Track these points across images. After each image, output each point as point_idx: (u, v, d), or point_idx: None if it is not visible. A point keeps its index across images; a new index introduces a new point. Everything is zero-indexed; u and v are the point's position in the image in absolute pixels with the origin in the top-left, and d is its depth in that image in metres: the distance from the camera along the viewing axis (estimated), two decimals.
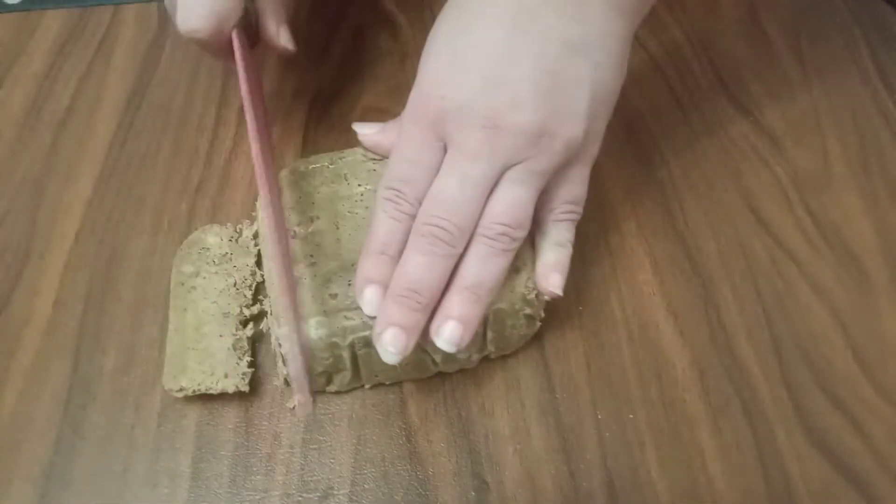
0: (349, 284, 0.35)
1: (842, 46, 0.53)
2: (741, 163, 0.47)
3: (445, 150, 0.35)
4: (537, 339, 0.39)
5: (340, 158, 0.41)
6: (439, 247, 0.33)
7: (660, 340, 0.40)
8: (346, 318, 0.35)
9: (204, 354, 0.37)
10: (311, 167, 0.41)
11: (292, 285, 0.35)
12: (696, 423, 0.37)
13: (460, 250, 0.34)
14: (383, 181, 0.35)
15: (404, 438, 0.37)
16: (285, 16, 0.43)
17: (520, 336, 0.38)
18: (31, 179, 0.48)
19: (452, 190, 0.34)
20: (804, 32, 0.54)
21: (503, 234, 0.34)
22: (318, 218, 0.38)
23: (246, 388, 0.37)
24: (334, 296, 0.35)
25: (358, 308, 0.35)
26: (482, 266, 0.34)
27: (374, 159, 0.40)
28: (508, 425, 0.37)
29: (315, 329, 0.34)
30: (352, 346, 0.35)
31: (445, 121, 0.34)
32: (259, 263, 0.41)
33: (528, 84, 0.33)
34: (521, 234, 0.35)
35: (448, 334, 0.34)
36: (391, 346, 0.33)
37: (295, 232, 0.38)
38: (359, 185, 0.39)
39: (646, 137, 0.48)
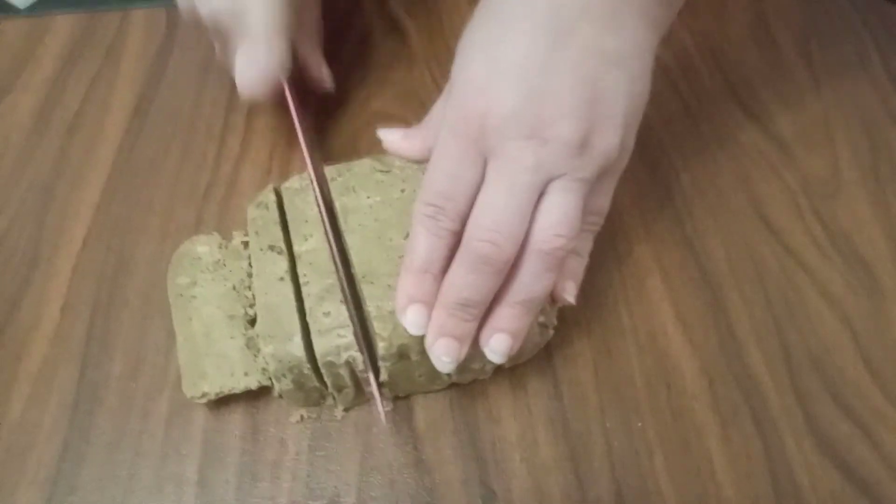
0: (341, 302, 0.35)
1: (852, 52, 0.53)
2: (751, 169, 0.47)
3: (485, 164, 0.34)
4: (545, 346, 0.39)
5: (348, 170, 0.40)
6: (491, 264, 0.32)
7: (668, 348, 0.40)
8: (339, 335, 0.34)
9: (219, 358, 0.37)
10: (303, 183, 0.41)
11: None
12: (704, 431, 0.37)
13: (510, 264, 0.33)
14: (422, 196, 0.34)
15: (411, 446, 0.37)
16: (322, 56, 0.47)
17: (534, 345, 0.37)
18: (40, 184, 0.48)
19: (502, 201, 0.33)
20: (813, 38, 0.54)
21: (559, 247, 0.33)
22: (311, 236, 0.38)
23: (269, 383, 0.37)
24: (327, 314, 0.35)
25: (350, 325, 0.35)
26: (536, 281, 0.34)
27: (382, 170, 0.40)
28: (516, 433, 0.37)
29: (304, 349, 0.35)
30: (348, 363, 0.35)
31: (488, 133, 0.33)
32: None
33: (570, 94, 0.33)
34: (573, 244, 0.34)
35: (497, 345, 0.34)
36: (445, 355, 0.33)
37: None
38: (367, 198, 0.39)
39: (655, 144, 0.48)
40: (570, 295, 0.36)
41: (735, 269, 0.42)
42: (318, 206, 0.39)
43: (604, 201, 0.37)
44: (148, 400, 0.39)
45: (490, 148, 0.33)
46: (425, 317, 0.33)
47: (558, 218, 0.33)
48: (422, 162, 0.40)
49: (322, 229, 0.38)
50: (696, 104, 0.50)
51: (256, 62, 0.41)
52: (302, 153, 0.42)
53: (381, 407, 0.34)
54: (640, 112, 0.36)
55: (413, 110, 0.51)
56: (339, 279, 0.36)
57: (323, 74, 0.48)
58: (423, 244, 0.34)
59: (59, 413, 0.39)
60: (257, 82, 0.41)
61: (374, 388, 0.34)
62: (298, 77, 0.45)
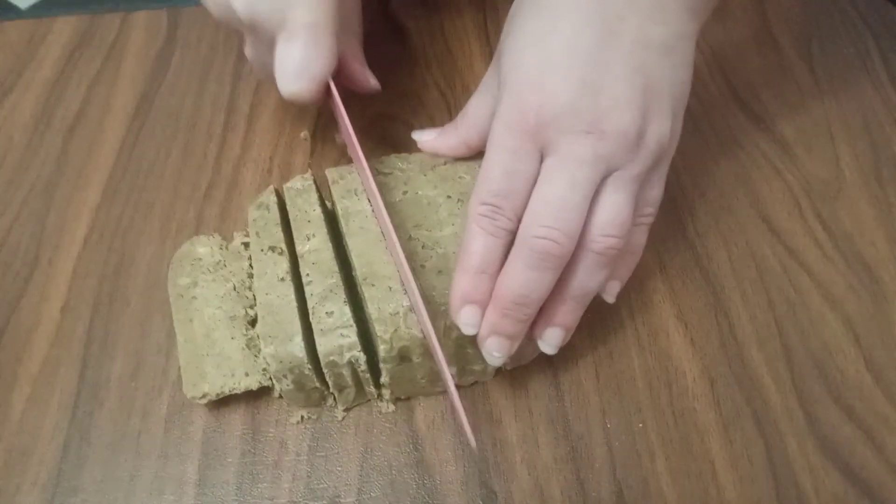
0: (345, 302, 0.35)
1: (853, 54, 0.53)
2: (752, 171, 0.47)
3: (541, 160, 0.34)
4: None
5: (349, 173, 0.40)
6: (550, 261, 0.32)
7: (670, 349, 0.40)
8: (342, 335, 0.34)
9: (220, 358, 0.37)
10: (305, 183, 0.40)
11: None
12: (706, 432, 0.37)
13: (567, 259, 0.33)
14: (478, 195, 0.34)
15: (411, 446, 0.37)
16: (363, 56, 0.45)
17: (535, 348, 0.37)
18: (41, 185, 0.48)
19: (561, 196, 0.32)
20: (815, 41, 0.54)
21: (611, 246, 0.33)
22: (313, 236, 0.38)
23: (269, 383, 0.37)
24: (330, 314, 0.35)
25: (353, 325, 0.34)
26: (589, 278, 0.34)
27: (384, 173, 0.40)
28: (516, 434, 0.37)
29: (305, 349, 0.35)
30: (351, 363, 0.35)
31: (546, 128, 0.33)
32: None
33: (624, 86, 0.33)
34: (624, 242, 0.34)
35: (551, 338, 0.35)
36: (496, 351, 0.34)
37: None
38: (369, 200, 0.39)
39: None
40: (610, 296, 0.37)
41: (737, 271, 0.42)
42: (375, 210, 0.37)
43: (657, 192, 0.36)
44: (148, 400, 0.39)
45: (547, 142, 0.33)
46: (480, 316, 0.34)
47: (611, 218, 0.33)
48: (438, 164, 0.40)
49: (324, 230, 0.38)
50: (698, 106, 0.50)
51: (303, 63, 0.37)
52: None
53: (466, 425, 0.32)
54: (685, 99, 0.36)
55: (414, 112, 0.51)
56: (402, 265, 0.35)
57: (367, 75, 0.45)
58: (480, 244, 0.33)
59: (59, 414, 0.39)
60: (305, 81, 0.37)
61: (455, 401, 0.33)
62: (337, 77, 0.42)
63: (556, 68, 0.33)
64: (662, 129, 0.34)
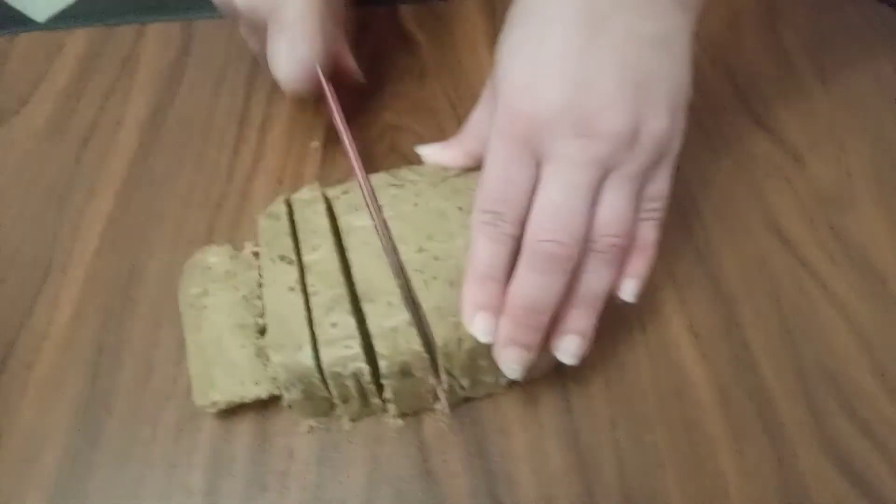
0: (349, 313, 0.35)
1: (863, 60, 0.53)
2: (762, 180, 0.47)
3: (538, 166, 0.34)
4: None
5: (353, 189, 0.40)
6: (558, 263, 0.33)
7: (680, 360, 0.39)
8: (346, 347, 0.34)
9: (230, 367, 0.37)
10: (313, 194, 0.41)
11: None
12: (716, 444, 0.37)
13: (576, 262, 0.33)
14: (478, 204, 0.34)
15: (419, 457, 0.37)
16: (349, 51, 0.48)
17: (549, 360, 0.37)
18: (54, 194, 0.48)
19: (561, 200, 0.33)
20: (825, 47, 0.54)
21: (612, 245, 0.34)
22: (320, 246, 0.38)
23: (279, 392, 0.37)
24: (335, 325, 0.35)
25: (357, 337, 0.34)
26: (597, 279, 0.34)
27: (396, 185, 0.40)
28: (525, 445, 0.37)
29: (313, 359, 0.34)
30: (355, 375, 0.35)
31: (539, 134, 0.33)
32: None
33: (615, 86, 0.33)
34: (627, 241, 0.34)
35: (570, 347, 0.34)
36: (514, 363, 0.33)
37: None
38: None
39: None
40: (627, 294, 0.36)
41: (747, 281, 0.42)
42: (364, 195, 0.38)
43: (661, 187, 0.36)
44: (157, 408, 0.39)
45: (542, 148, 0.33)
46: (493, 323, 0.33)
47: (610, 217, 0.33)
48: (449, 176, 0.40)
49: (331, 240, 0.38)
50: (707, 114, 0.50)
51: (292, 51, 0.41)
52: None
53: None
54: (685, 93, 0.36)
55: (424, 122, 0.51)
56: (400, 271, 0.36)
57: (353, 66, 0.48)
58: (485, 251, 0.34)
59: (68, 420, 0.39)
60: (294, 71, 0.42)
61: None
62: (331, 71, 0.45)
63: (545, 74, 0.33)
64: (659, 125, 0.34)
